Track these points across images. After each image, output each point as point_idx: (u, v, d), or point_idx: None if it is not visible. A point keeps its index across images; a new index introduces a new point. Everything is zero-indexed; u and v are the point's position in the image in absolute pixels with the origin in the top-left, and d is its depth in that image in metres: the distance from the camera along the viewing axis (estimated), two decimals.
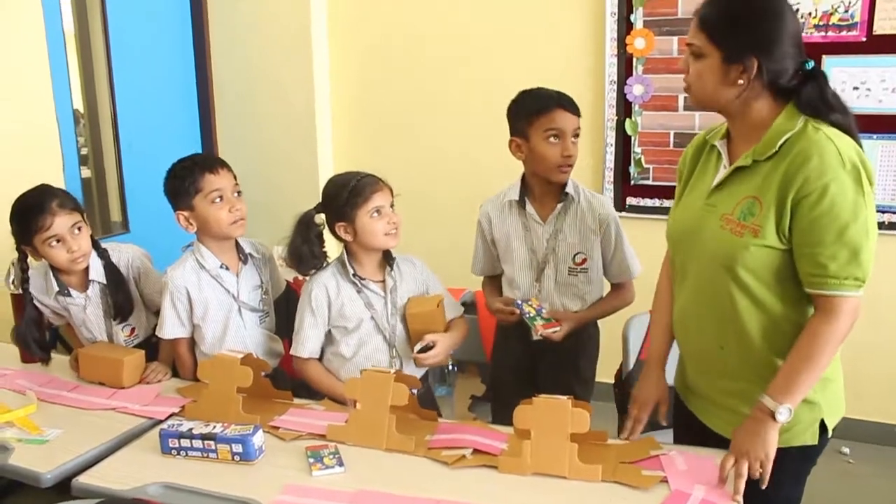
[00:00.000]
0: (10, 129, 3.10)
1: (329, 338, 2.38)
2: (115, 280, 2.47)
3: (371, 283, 2.35)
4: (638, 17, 3.65)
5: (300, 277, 2.44)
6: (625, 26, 3.68)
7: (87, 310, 2.47)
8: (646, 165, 3.78)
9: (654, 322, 2.11)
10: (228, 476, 1.81)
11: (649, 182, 3.79)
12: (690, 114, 3.63)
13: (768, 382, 1.73)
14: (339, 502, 1.71)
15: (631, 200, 3.84)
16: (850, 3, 3.28)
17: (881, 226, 3.24)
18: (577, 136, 2.36)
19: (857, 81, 3.32)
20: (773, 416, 1.67)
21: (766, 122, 1.71)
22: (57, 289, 2.43)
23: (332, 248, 2.41)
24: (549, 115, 2.32)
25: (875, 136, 3.32)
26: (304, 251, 2.30)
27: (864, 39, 3.29)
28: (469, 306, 2.91)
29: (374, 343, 2.35)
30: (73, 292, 2.45)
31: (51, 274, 2.43)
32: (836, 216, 1.59)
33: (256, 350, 2.42)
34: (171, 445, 1.89)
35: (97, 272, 2.44)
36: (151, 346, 2.51)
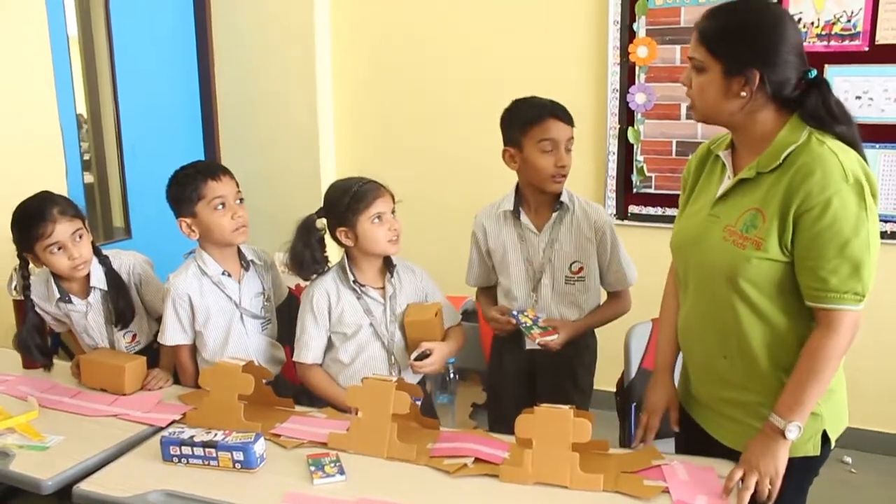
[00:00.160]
0: (14, 134, 3.10)
1: (328, 343, 2.38)
2: (117, 287, 2.46)
3: (371, 289, 2.35)
4: (640, 26, 3.65)
5: (302, 284, 2.44)
6: (627, 35, 3.68)
7: (88, 316, 2.47)
8: (648, 174, 3.78)
9: (661, 330, 2.11)
10: (229, 484, 1.81)
11: (651, 190, 3.79)
12: (693, 122, 3.64)
13: (770, 393, 1.73)
14: None
15: (633, 209, 3.84)
16: (852, 12, 3.28)
17: (884, 235, 3.24)
18: (570, 145, 2.35)
19: (859, 91, 3.32)
20: (783, 434, 1.68)
21: (770, 134, 1.71)
22: (58, 295, 2.43)
23: (333, 253, 2.41)
24: (543, 125, 2.31)
25: (877, 146, 3.32)
26: (305, 256, 2.30)
27: (867, 49, 3.30)
28: (470, 314, 2.91)
29: (372, 349, 2.36)
30: (74, 299, 2.45)
31: (52, 281, 2.43)
32: (838, 231, 1.59)
33: (258, 357, 2.42)
34: (172, 453, 1.89)
35: (98, 279, 2.44)
36: (153, 353, 2.51)
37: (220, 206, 2.33)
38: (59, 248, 2.31)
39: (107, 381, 2.33)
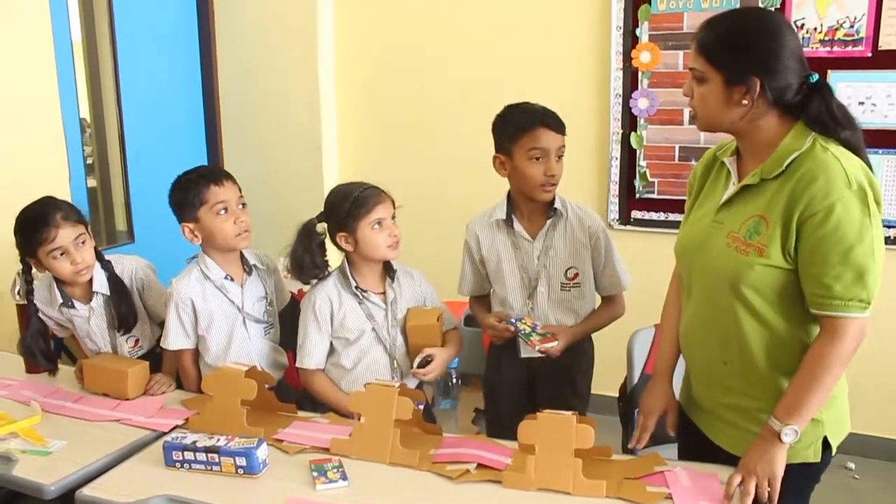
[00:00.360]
0: (17, 138, 3.10)
1: (329, 349, 2.38)
2: (119, 291, 2.47)
3: (372, 294, 2.36)
4: (643, 31, 3.65)
5: (305, 289, 2.44)
6: (630, 40, 3.69)
7: (91, 321, 2.47)
8: (651, 179, 3.78)
9: (663, 334, 2.11)
10: (232, 489, 1.81)
11: (654, 195, 3.79)
12: (695, 128, 3.61)
13: (772, 399, 1.73)
14: None
15: (636, 214, 3.84)
16: (855, 18, 3.28)
17: (888, 241, 3.23)
18: (561, 154, 2.34)
19: (862, 96, 3.32)
20: (779, 437, 1.67)
21: (774, 141, 1.71)
22: (61, 300, 2.44)
23: (334, 257, 2.41)
24: (533, 133, 2.29)
25: (881, 151, 3.32)
26: (306, 260, 2.31)
27: (870, 54, 3.29)
28: (473, 320, 2.91)
29: (374, 354, 2.36)
30: (76, 304, 2.45)
31: (55, 286, 2.43)
32: (842, 237, 1.59)
33: (261, 361, 2.42)
34: (174, 458, 1.88)
35: (101, 284, 2.44)
36: (155, 358, 2.50)
37: (223, 211, 2.33)
38: (62, 254, 2.32)
39: (109, 386, 2.33)
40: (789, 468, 1.76)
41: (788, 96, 1.68)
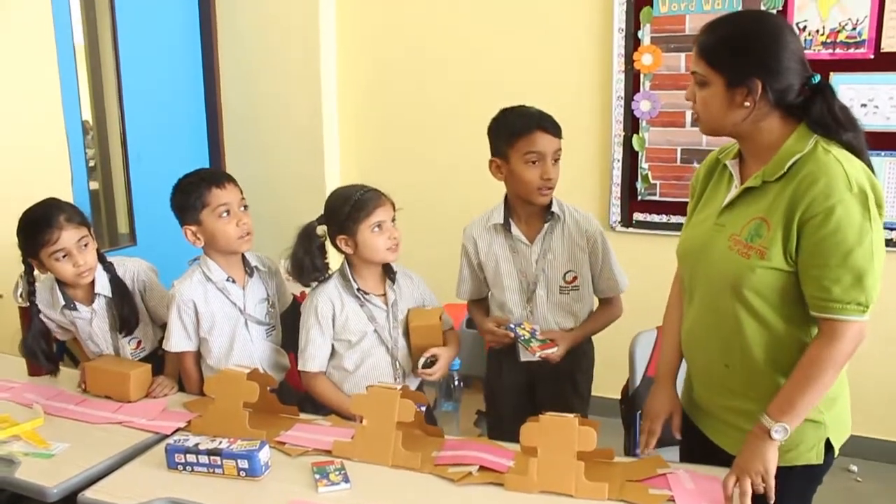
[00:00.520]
0: (19, 141, 3.11)
1: (331, 352, 2.38)
2: (121, 293, 2.47)
3: (373, 296, 2.36)
4: (645, 34, 3.65)
5: (306, 292, 2.44)
6: (632, 42, 3.69)
7: (93, 323, 2.48)
8: (653, 181, 3.77)
9: (665, 337, 2.11)
10: (234, 492, 1.81)
11: (656, 198, 3.79)
12: (697, 130, 3.61)
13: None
14: None
15: (638, 216, 3.83)
16: (857, 20, 3.28)
17: (889, 243, 3.23)
18: (557, 157, 2.33)
19: (864, 98, 3.32)
20: (769, 434, 1.67)
21: (776, 143, 1.71)
22: (63, 302, 2.44)
23: (334, 259, 2.42)
24: (529, 137, 2.29)
25: (883, 154, 3.32)
26: (306, 262, 2.31)
27: (872, 57, 3.29)
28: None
29: (376, 356, 2.37)
30: (79, 306, 2.46)
31: (57, 288, 2.44)
32: (842, 239, 1.59)
33: (263, 363, 2.43)
34: (176, 460, 1.88)
35: (103, 286, 2.45)
36: (158, 360, 2.51)
37: (225, 214, 2.33)
38: (65, 255, 2.32)
39: (112, 389, 2.33)
40: (792, 471, 1.77)
41: (790, 97, 1.68)
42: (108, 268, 2.47)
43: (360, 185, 2.35)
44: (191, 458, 1.87)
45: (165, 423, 2.17)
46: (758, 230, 1.70)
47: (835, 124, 1.67)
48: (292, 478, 1.87)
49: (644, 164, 3.78)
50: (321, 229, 2.35)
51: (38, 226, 2.31)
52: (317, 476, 1.85)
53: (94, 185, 3.92)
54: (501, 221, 2.44)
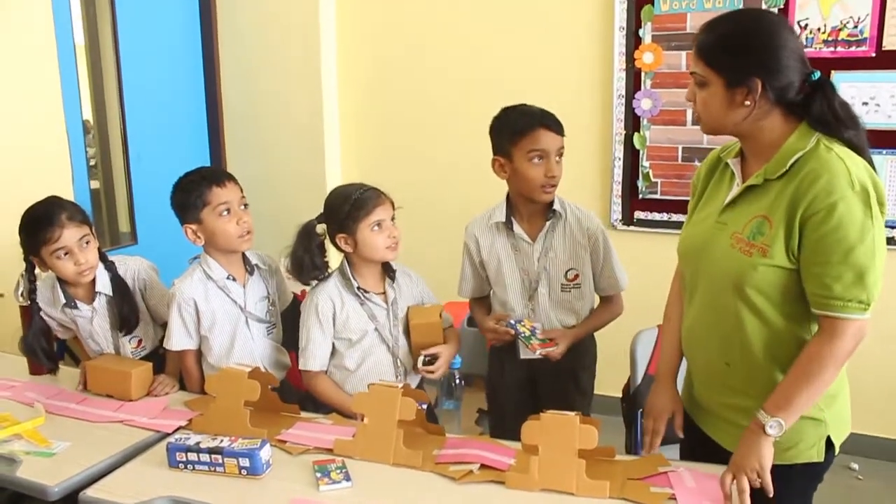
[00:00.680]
0: (20, 140, 3.11)
1: (332, 351, 2.38)
2: (122, 292, 2.47)
3: (373, 295, 2.36)
4: (646, 32, 3.65)
5: (307, 290, 2.45)
6: (633, 41, 3.69)
7: (93, 322, 2.48)
8: (654, 179, 3.77)
9: (665, 335, 2.11)
10: (235, 490, 1.81)
11: (657, 196, 3.79)
12: (698, 128, 3.60)
13: None
14: None
15: (639, 214, 3.83)
16: (859, 18, 3.28)
17: (890, 241, 3.22)
18: (560, 154, 2.34)
19: (866, 97, 3.31)
20: (764, 429, 1.67)
21: (778, 141, 1.71)
22: (64, 301, 2.44)
23: (333, 258, 2.42)
24: (533, 135, 2.29)
25: (885, 152, 3.32)
26: (305, 260, 2.32)
27: (874, 55, 3.29)
28: None
29: (377, 354, 2.37)
30: (80, 304, 2.46)
31: (58, 286, 2.44)
32: (843, 237, 1.59)
33: (264, 361, 2.43)
34: (178, 459, 1.89)
35: (104, 284, 2.45)
36: (158, 358, 2.51)
37: (226, 213, 2.34)
38: (66, 254, 2.32)
39: (113, 387, 2.33)
40: (793, 469, 1.77)
41: (791, 95, 1.68)
42: (110, 266, 2.48)
43: (359, 183, 2.35)
44: (192, 456, 1.87)
45: (166, 421, 2.17)
46: (760, 228, 1.69)
47: (835, 121, 1.67)
48: (293, 476, 1.87)
49: (645, 163, 3.78)
50: (321, 228, 2.35)
51: (39, 223, 2.31)
52: (318, 474, 1.85)
53: (95, 184, 3.92)
54: (503, 220, 2.44)
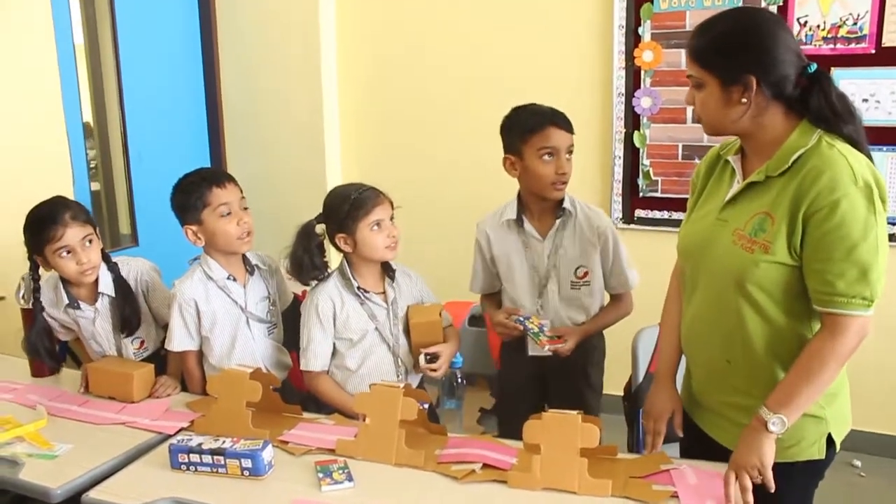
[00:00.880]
0: (21, 143, 3.11)
1: (333, 351, 2.39)
2: (124, 293, 2.47)
3: (373, 294, 2.37)
4: (646, 30, 3.65)
5: (307, 291, 2.45)
6: (633, 39, 3.69)
7: (96, 322, 2.48)
8: (654, 178, 3.77)
9: (664, 334, 2.11)
10: (238, 491, 1.81)
11: (658, 194, 3.79)
12: (699, 126, 3.59)
13: None
14: None
15: (639, 212, 3.84)
16: (858, 15, 3.28)
17: (892, 238, 3.22)
18: (570, 152, 2.36)
19: (866, 94, 3.31)
20: (766, 426, 1.67)
21: (780, 139, 1.71)
22: (67, 301, 2.44)
23: (332, 258, 2.42)
24: (543, 133, 2.31)
25: (885, 149, 3.31)
26: (305, 261, 2.32)
27: (874, 52, 3.29)
28: (478, 319, 2.91)
29: (378, 354, 2.37)
30: (82, 305, 2.46)
31: (61, 286, 2.44)
32: (846, 234, 1.59)
33: (265, 361, 2.43)
34: (180, 460, 1.89)
35: (106, 285, 2.45)
36: (160, 360, 2.51)
37: (226, 213, 2.34)
38: (69, 252, 2.33)
39: (115, 389, 2.33)
40: (795, 466, 1.77)
41: (788, 90, 1.68)
42: (113, 267, 2.48)
43: (358, 183, 2.36)
44: (194, 457, 1.88)
45: (169, 423, 2.17)
46: (762, 225, 1.69)
47: (833, 116, 1.67)
48: (296, 477, 1.87)
49: (645, 161, 3.78)
50: (320, 228, 2.35)
51: (43, 222, 2.32)
52: (320, 475, 1.85)
53: (96, 186, 3.92)
54: (514, 217, 2.46)
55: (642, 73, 3.71)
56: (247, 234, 2.37)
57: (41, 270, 2.42)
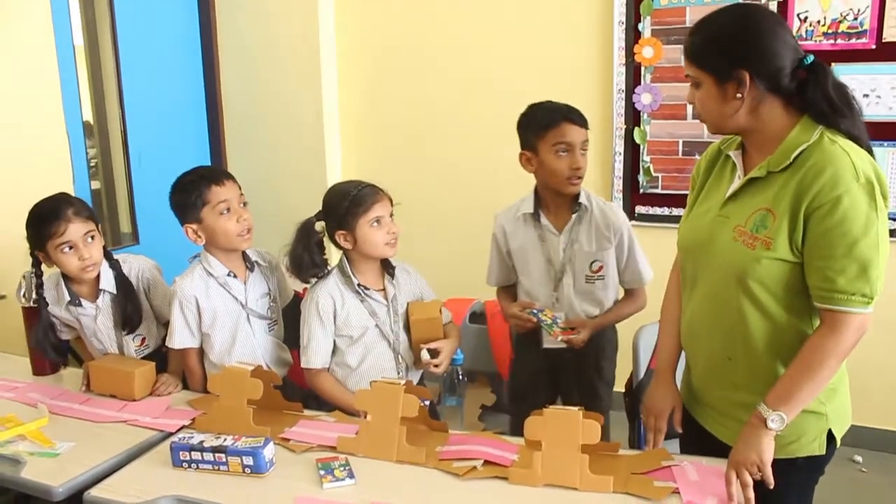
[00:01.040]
0: (21, 142, 3.11)
1: (333, 348, 2.39)
2: (126, 290, 2.47)
3: (373, 291, 2.37)
4: (646, 26, 3.65)
5: (308, 288, 2.45)
6: (633, 35, 3.68)
7: (97, 320, 2.48)
8: (655, 174, 3.77)
9: (663, 330, 2.10)
10: (239, 489, 1.81)
11: (658, 191, 3.79)
12: (699, 122, 3.60)
13: None
14: None
15: (640, 209, 3.83)
16: (859, 10, 3.27)
17: (893, 234, 3.22)
18: (585, 148, 2.40)
19: (866, 89, 3.31)
20: (765, 423, 1.67)
21: (780, 134, 1.70)
22: (68, 298, 2.44)
23: (331, 255, 2.42)
24: (558, 128, 2.36)
25: (886, 144, 3.31)
26: (304, 258, 2.33)
27: (874, 47, 3.29)
28: (479, 316, 2.92)
29: (379, 351, 2.38)
30: (84, 302, 2.46)
31: (62, 283, 2.44)
32: (848, 230, 1.59)
33: (265, 358, 2.44)
34: (181, 458, 1.89)
35: (108, 282, 2.45)
36: (161, 357, 2.51)
37: (226, 211, 2.34)
38: (70, 248, 2.33)
39: (116, 387, 2.34)
40: (795, 462, 1.77)
41: (784, 82, 1.68)
42: (114, 265, 2.48)
43: (357, 180, 2.37)
44: (195, 455, 1.88)
45: (170, 420, 2.17)
46: (763, 221, 1.69)
47: (831, 110, 1.66)
48: (297, 474, 1.87)
49: (646, 157, 3.78)
50: (319, 225, 2.36)
51: (46, 218, 2.32)
52: (321, 472, 1.85)
53: (96, 185, 3.92)
54: (531, 211, 2.49)
55: (642, 69, 3.70)
56: (247, 231, 2.38)
57: (43, 267, 2.42)
